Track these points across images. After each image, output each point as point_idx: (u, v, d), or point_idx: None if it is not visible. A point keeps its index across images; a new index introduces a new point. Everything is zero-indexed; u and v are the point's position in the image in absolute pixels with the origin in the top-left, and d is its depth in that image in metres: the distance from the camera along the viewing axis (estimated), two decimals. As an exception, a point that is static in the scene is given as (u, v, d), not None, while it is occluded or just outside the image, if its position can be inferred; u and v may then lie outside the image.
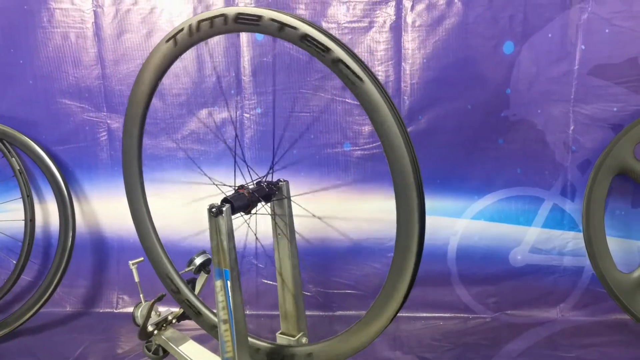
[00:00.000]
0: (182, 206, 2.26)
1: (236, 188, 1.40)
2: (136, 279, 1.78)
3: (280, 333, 1.61)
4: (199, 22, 1.26)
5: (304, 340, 1.58)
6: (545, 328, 2.18)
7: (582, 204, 2.11)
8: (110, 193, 2.43)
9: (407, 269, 1.23)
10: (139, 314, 1.78)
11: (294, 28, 1.14)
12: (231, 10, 1.20)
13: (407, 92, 2.15)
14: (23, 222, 2.35)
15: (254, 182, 1.46)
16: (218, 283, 1.37)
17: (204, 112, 2.28)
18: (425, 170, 2.21)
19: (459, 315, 2.29)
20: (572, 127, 2.13)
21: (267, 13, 1.16)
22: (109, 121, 2.34)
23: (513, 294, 2.28)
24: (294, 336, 1.57)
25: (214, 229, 1.32)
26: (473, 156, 2.20)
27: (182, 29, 1.31)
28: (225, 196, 1.34)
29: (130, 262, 1.78)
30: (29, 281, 2.49)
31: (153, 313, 1.78)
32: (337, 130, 2.22)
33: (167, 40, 1.36)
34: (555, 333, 2.15)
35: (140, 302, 1.81)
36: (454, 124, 2.16)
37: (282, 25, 1.15)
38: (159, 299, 1.70)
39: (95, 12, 2.22)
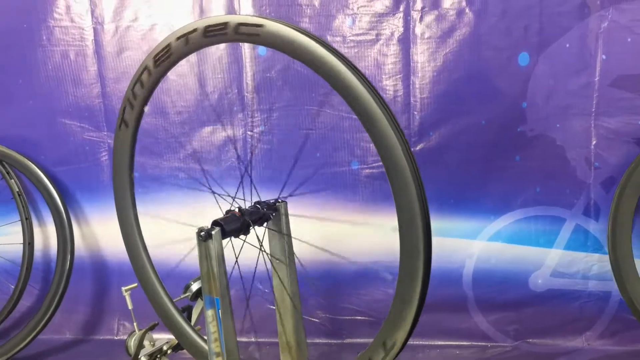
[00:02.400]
0: (184, 227, 2.17)
1: (229, 209, 1.31)
2: (129, 306, 1.69)
3: (281, 366, 1.49)
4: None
5: (305, 374, 1.47)
6: (570, 358, 2.03)
7: (607, 225, 1.96)
8: (111, 215, 2.30)
9: (413, 297, 1.12)
10: (132, 343, 1.68)
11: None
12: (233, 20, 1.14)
13: (417, 107, 2.04)
14: (22, 245, 2.29)
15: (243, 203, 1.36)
16: (210, 313, 1.27)
17: (207, 130, 2.20)
18: (438, 190, 2.14)
19: (476, 343, 2.14)
20: (594, 142, 1.99)
21: (268, 23, 1.08)
22: (109, 141, 2.27)
23: (535, 320, 2.13)
24: (295, 370, 1.46)
25: (204, 254, 1.23)
26: (488, 175, 2.07)
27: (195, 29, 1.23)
28: (217, 218, 1.25)
29: (124, 289, 1.69)
30: (28, 306, 2.42)
31: (147, 342, 1.68)
32: (344, 148, 2.12)
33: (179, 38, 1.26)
34: (580, 362, 2.00)
35: (134, 331, 1.71)
36: (467, 141, 2.05)
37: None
38: (151, 328, 1.60)
39: (95, 29, 2.17)
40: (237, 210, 1.30)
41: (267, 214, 1.35)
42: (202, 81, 2.15)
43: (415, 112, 2.04)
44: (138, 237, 1.64)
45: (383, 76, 2.04)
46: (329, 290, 2.23)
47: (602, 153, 2.00)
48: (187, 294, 1.67)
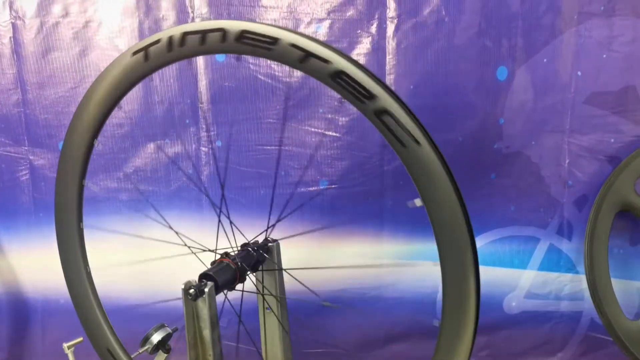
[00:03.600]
0: (129, 263, 1.88)
1: (216, 256, 1.07)
2: (73, 367, 1.40)
3: None
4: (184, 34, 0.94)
5: None
6: (544, 382, 1.97)
7: (584, 245, 1.92)
8: (33, 243, 1.99)
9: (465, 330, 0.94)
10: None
11: (325, 61, 0.84)
12: (234, 26, 0.88)
13: (391, 122, 1.89)
14: None
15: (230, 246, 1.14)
16: (195, 385, 1.03)
17: (151, 147, 1.92)
18: (411, 211, 2.00)
19: (450, 371, 2.03)
20: (567, 160, 1.94)
21: (286, 35, 0.85)
22: (31, 157, 1.92)
23: (507, 344, 2.05)
24: None
25: (191, 315, 0.99)
26: (464, 193, 1.96)
27: (157, 41, 0.98)
28: (205, 270, 1.01)
29: (65, 345, 1.39)
30: None
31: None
32: (311, 166, 1.92)
33: (135, 53, 1.02)
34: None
35: (79, 396, 1.42)
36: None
37: (308, 54, 0.85)
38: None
39: (13, 25, 1.81)
40: (225, 257, 1.07)
41: (261, 256, 1.13)
42: (147, 89, 1.86)
43: (390, 128, 1.89)
44: (87, 280, 1.34)
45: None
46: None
47: (575, 171, 1.95)
48: (146, 347, 1.40)
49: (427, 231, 1.99)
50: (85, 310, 1.33)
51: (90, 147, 1.15)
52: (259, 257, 1.11)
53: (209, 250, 1.08)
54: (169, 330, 1.45)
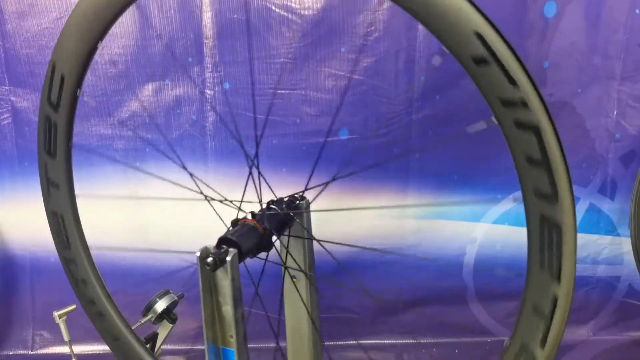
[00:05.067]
0: (126, 218, 1.69)
1: (238, 219, 0.87)
2: (65, 338, 1.22)
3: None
4: None
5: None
6: (576, 351, 1.82)
7: (631, 205, 1.73)
8: (19, 196, 1.79)
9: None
10: (71, 388, 1.22)
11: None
12: None
13: (422, 67, 1.67)
14: None
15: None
16: (211, 369, 0.85)
17: (149, 88, 1.69)
18: (440, 164, 1.80)
19: (475, 339, 1.88)
20: (615, 111, 1.74)
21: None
22: (13, 98, 1.70)
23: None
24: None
25: (209, 289, 0.80)
26: (498, 147, 1.75)
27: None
28: (224, 234, 0.81)
29: (56, 314, 1.21)
30: None
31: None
32: (330, 113, 1.71)
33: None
34: (586, 355, 1.80)
35: (74, 370, 1.25)
36: (478, 106, 1.70)
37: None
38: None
39: (-13, -58, 1.56)
40: (249, 217, 0.87)
41: (289, 217, 0.94)
42: (144, 21, 1.62)
43: (420, 72, 1.67)
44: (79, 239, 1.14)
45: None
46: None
47: (624, 123, 1.75)
48: (149, 317, 1.23)
49: (456, 188, 1.82)
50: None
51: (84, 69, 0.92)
52: (285, 219, 0.92)
53: (232, 205, 0.88)
54: (174, 297, 1.27)
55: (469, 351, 1.83)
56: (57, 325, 1.25)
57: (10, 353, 1.85)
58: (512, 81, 0.59)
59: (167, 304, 1.22)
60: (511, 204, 1.82)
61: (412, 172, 1.76)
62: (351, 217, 1.79)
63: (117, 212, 1.77)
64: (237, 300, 0.79)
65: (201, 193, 0.94)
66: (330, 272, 1.77)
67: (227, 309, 0.80)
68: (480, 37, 0.58)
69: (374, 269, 1.84)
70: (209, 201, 0.91)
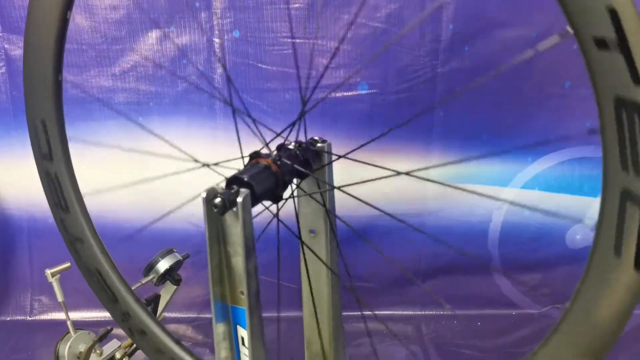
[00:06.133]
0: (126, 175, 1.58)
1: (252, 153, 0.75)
2: (59, 298, 1.11)
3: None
4: None
5: (344, 394, 0.99)
6: None
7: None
8: (15, 152, 1.68)
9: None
10: (67, 352, 1.12)
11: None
12: None
13: (450, 14, 1.52)
14: None
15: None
16: (220, 328, 0.74)
17: (153, 36, 1.56)
18: (466, 122, 1.67)
19: (499, 311, 1.77)
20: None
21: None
22: (6, 46, 1.58)
23: (567, 283, 1.77)
24: (328, 390, 0.98)
25: (216, 237, 0.68)
26: (530, 104, 1.63)
27: None
28: (235, 173, 0.69)
29: (49, 271, 1.10)
30: None
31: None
32: (350, 65, 1.57)
33: None
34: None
35: (68, 332, 1.14)
36: (510, 60, 1.57)
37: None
38: (101, 339, 1.04)
39: None
40: (265, 156, 0.75)
41: (307, 161, 0.81)
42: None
43: (448, 20, 1.53)
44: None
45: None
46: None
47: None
48: (150, 277, 1.12)
49: (484, 149, 1.69)
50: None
51: (63, 22, 0.78)
52: (302, 163, 0.79)
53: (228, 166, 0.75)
54: (178, 256, 1.16)
55: (492, 324, 1.72)
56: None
57: (8, 319, 1.76)
58: (636, 78, 0.44)
59: (169, 264, 1.11)
60: (549, 164, 1.68)
61: (436, 131, 1.63)
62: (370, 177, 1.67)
63: (120, 172, 1.66)
64: (249, 250, 0.67)
65: (195, 160, 0.80)
66: (344, 238, 1.66)
67: (238, 261, 0.68)
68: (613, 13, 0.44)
69: (391, 235, 1.72)
70: (209, 167, 0.78)
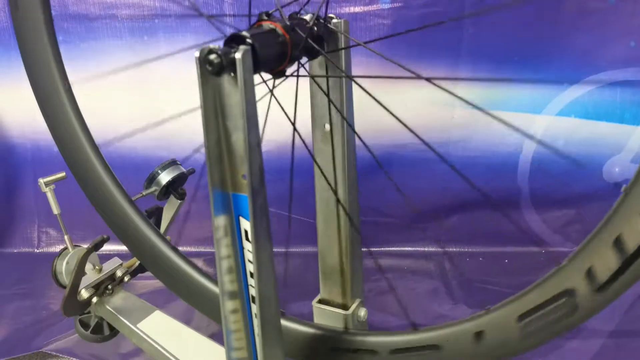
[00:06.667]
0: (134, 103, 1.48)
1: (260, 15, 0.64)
2: (55, 211, 1.04)
3: (319, 301, 0.92)
4: None
5: (361, 313, 0.90)
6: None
7: None
8: (14, 74, 1.60)
9: None
10: (63, 268, 1.05)
11: None
12: None
13: None
14: None
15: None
16: (221, 221, 0.64)
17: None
18: (499, 43, 1.52)
19: (527, 249, 1.66)
20: None
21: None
22: (3, -42, 1.48)
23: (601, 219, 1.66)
24: (345, 307, 0.89)
25: (213, 106, 0.58)
26: (569, 21, 1.48)
27: None
28: (235, 31, 0.59)
29: (42, 180, 1.02)
30: None
31: (89, 267, 1.04)
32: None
33: None
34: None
35: (65, 248, 1.07)
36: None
37: None
38: (97, 247, 0.96)
39: None
40: (270, 21, 0.64)
41: (321, 38, 0.70)
42: None
43: None
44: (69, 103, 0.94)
45: None
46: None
47: None
48: (152, 190, 1.03)
49: (516, 72, 1.56)
50: (59, 123, 0.95)
51: None
52: (315, 39, 0.68)
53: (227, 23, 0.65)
54: (182, 169, 1.07)
55: (520, 262, 1.62)
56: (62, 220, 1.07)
57: (15, 251, 1.70)
58: None
59: (172, 176, 1.02)
60: (587, 89, 1.55)
61: (464, 51, 1.50)
62: (391, 104, 1.55)
63: (125, 97, 1.57)
64: (251, 120, 0.57)
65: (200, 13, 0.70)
66: (364, 170, 1.56)
67: (239, 138, 0.58)
68: None
69: (414, 166, 1.61)
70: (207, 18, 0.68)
